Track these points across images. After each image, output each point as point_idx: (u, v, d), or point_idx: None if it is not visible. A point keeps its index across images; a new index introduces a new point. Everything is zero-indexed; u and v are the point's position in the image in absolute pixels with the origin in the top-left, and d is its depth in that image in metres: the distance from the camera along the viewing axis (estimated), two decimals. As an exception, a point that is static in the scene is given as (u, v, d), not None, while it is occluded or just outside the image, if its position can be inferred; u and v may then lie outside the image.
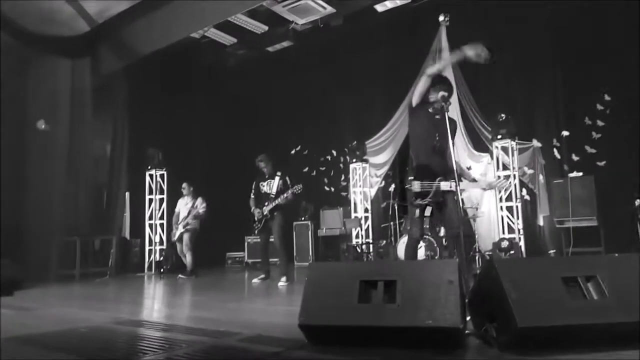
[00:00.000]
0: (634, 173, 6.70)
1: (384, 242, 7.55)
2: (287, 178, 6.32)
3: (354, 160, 9.15)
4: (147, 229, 9.15)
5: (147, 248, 9.09)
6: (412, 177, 3.78)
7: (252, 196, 6.42)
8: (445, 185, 3.63)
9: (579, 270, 2.09)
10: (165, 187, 9.32)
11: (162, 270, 8.66)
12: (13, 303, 4.61)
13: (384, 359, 2.02)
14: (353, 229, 8.90)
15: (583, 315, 1.97)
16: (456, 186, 3.35)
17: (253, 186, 6.45)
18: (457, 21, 8.90)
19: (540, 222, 7.89)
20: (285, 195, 6.03)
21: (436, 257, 7.25)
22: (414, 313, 2.03)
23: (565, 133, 7.80)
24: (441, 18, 9.07)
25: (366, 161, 9.13)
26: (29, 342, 2.80)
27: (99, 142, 9.82)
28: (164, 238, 9.18)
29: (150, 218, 9.18)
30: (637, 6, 6.78)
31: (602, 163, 7.39)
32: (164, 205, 9.26)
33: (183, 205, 7.91)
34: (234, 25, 10.07)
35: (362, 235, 8.87)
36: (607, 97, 7.46)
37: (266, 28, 10.24)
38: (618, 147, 7.20)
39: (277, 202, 6.04)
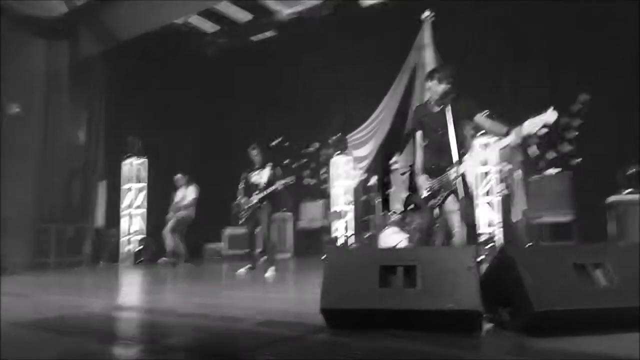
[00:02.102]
0: (608, 171, 6.97)
1: (369, 234, 7.64)
2: (278, 168, 6.31)
3: (338, 152, 9.19)
4: (125, 218, 8.96)
5: (124, 237, 8.90)
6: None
7: (242, 186, 6.37)
8: (452, 173, 3.67)
9: (589, 258, 2.20)
10: (145, 176, 9.13)
11: (140, 260, 8.55)
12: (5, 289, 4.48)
13: (408, 340, 2.08)
14: (336, 222, 8.96)
15: (594, 300, 2.08)
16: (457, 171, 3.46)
17: (242, 176, 6.39)
18: (441, 17, 9.04)
19: (517, 216, 8.12)
20: (276, 185, 6.01)
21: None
22: (434, 297, 2.09)
23: (543, 130, 8.03)
24: (425, 14, 9.19)
25: (348, 154, 9.18)
26: (38, 326, 2.75)
27: (75, 128, 9.57)
28: (143, 227, 9.03)
29: (129, 207, 8.99)
30: (616, 7, 7.04)
31: (578, 160, 7.67)
32: (144, 194, 9.09)
33: (179, 195, 7.85)
34: (218, 13, 9.97)
35: (343, 229, 8.92)
36: (584, 97, 7.72)
37: (250, 17, 10.18)
38: (593, 145, 7.48)
39: (267, 191, 6.01)
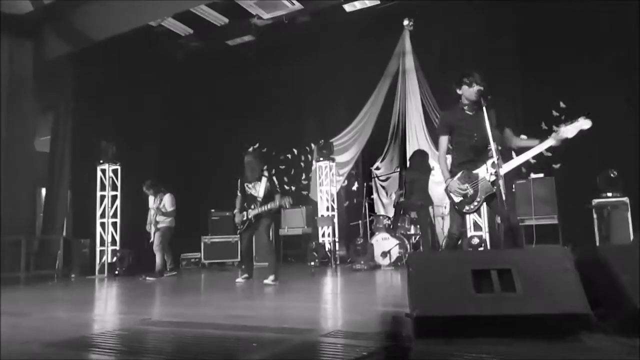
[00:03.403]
0: (587, 175, 7.26)
1: (361, 240, 7.57)
2: (274, 179, 6.13)
3: (321, 158, 9.09)
4: (98, 228, 8.45)
5: (98, 249, 8.39)
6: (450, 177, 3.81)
7: (239, 194, 6.14)
8: (489, 176, 3.65)
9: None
10: (118, 183, 8.66)
11: (116, 272, 8.08)
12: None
13: (509, 346, 2.00)
14: (321, 228, 8.83)
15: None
16: (497, 174, 3.45)
17: (239, 184, 6.16)
18: (421, 26, 9.18)
19: (499, 220, 8.31)
20: (271, 206, 5.81)
21: (407, 255, 7.40)
22: (537, 301, 2.03)
23: (523, 137, 8.28)
24: (405, 22, 9.30)
25: (333, 160, 9.10)
26: (71, 346, 2.47)
27: (40, 134, 8.98)
28: (117, 238, 8.55)
29: (102, 216, 8.49)
30: (593, 15, 7.38)
31: (557, 165, 7.95)
32: (118, 202, 8.62)
33: (152, 205, 7.45)
34: (193, 16, 9.66)
35: (329, 234, 8.82)
36: (562, 104, 8.02)
37: (226, 20, 9.93)
38: (571, 151, 7.76)
39: (263, 209, 5.82)
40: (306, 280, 6.39)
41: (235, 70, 10.43)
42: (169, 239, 7.49)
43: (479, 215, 7.84)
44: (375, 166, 9.37)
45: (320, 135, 9.84)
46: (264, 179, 5.96)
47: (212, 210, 10.08)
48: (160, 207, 7.33)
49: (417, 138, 9.01)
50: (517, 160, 3.81)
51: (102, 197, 8.55)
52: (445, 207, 8.08)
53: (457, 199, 3.78)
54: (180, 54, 10.74)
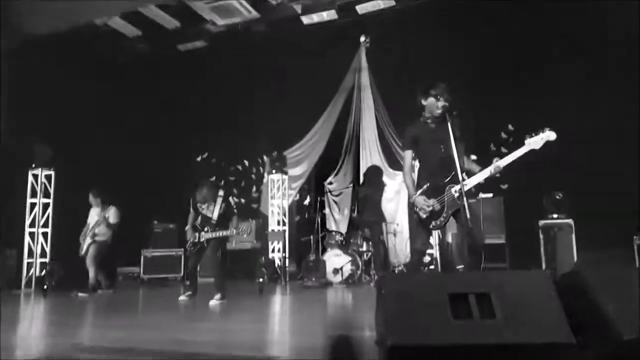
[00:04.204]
0: (533, 196, 7.43)
1: (314, 256, 7.34)
2: (230, 200, 5.85)
3: (273, 171, 8.83)
4: (27, 238, 7.74)
5: (25, 260, 7.67)
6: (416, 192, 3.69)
7: (192, 211, 5.79)
8: (456, 192, 3.57)
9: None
10: (51, 190, 8.00)
11: (44, 286, 7.39)
12: None
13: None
14: (271, 243, 8.53)
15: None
16: (461, 190, 3.36)
17: (191, 202, 5.82)
18: (377, 43, 9.20)
19: (449, 239, 8.34)
20: (226, 233, 5.57)
21: (358, 272, 7.26)
22: (518, 328, 1.88)
23: (473, 157, 8.40)
24: (362, 39, 9.32)
25: (286, 173, 8.86)
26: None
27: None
28: (47, 249, 7.87)
29: (32, 225, 7.79)
30: (540, 36, 7.64)
31: (505, 186, 8.10)
32: (49, 210, 7.94)
33: (94, 216, 6.89)
34: (142, 17, 9.23)
35: (279, 249, 8.53)
36: (510, 127, 8.22)
37: (178, 24, 9.56)
38: (518, 173, 7.94)
39: (217, 234, 5.52)
40: (254, 297, 6.08)
41: (185, 76, 10.00)
42: (105, 253, 6.94)
43: (430, 233, 7.81)
44: (328, 181, 9.21)
45: (273, 148, 9.59)
46: (219, 200, 5.66)
47: (155, 222, 9.54)
48: (106, 217, 6.79)
49: (370, 154, 8.95)
50: (478, 177, 3.73)
51: (33, 205, 7.84)
52: (397, 225, 8.04)
53: (423, 215, 3.65)
54: (123, 56, 10.22)
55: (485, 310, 1.94)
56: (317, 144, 9.33)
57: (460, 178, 3.46)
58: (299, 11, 8.79)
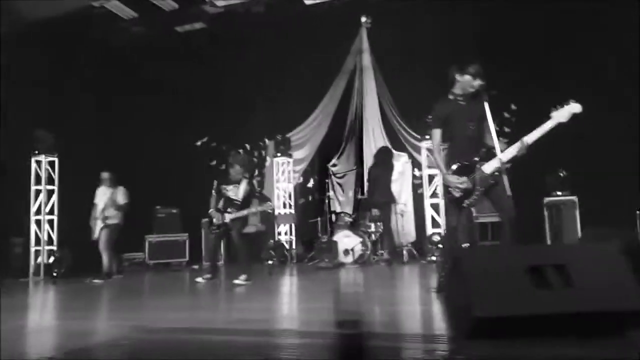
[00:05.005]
0: (538, 176, 7.59)
1: (326, 237, 7.41)
2: (253, 183, 5.87)
3: (278, 154, 8.83)
4: (33, 226, 7.63)
5: (32, 248, 7.58)
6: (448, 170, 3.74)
7: (214, 194, 5.82)
8: (488, 167, 3.64)
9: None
10: (56, 177, 7.88)
11: (54, 274, 7.34)
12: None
13: (568, 347, 1.94)
14: (279, 226, 8.58)
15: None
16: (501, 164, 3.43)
17: (214, 185, 5.85)
18: (379, 24, 9.18)
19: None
20: (251, 210, 5.68)
21: (368, 252, 7.37)
22: (595, 297, 1.98)
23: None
24: (363, 19, 9.28)
25: (290, 156, 8.88)
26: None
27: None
28: (54, 237, 7.78)
29: (38, 213, 7.68)
30: (546, 17, 7.70)
31: (508, 165, 8.24)
32: (54, 197, 7.84)
33: (102, 196, 6.81)
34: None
35: (286, 232, 8.59)
36: (513, 106, 8.33)
37: (176, 6, 9.38)
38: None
39: (243, 213, 5.56)
40: (272, 279, 6.17)
41: (184, 59, 9.86)
42: (116, 237, 6.90)
43: (437, 212, 7.96)
44: (331, 163, 9.26)
45: (274, 131, 9.58)
46: (244, 182, 5.69)
47: (158, 207, 9.49)
48: (115, 199, 6.73)
49: (373, 136, 9.01)
50: (507, 154, 3.76)
51: (37, 192, 7.72)
52: (404, 205, 8.15)
53: (456, 194, 3.73)
54: (118, 38, 10.00)
55: (562, 281, 2.04)
56: (320, 127, 9.34)
57: (499, 153, 3.52)
58: (301, -9, 8.70)
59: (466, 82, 3.77)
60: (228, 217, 5.61)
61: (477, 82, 3.73)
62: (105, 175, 6.91)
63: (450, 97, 3.91)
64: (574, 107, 3.57)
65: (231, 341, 2.51)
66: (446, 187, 3.82)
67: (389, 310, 3.55)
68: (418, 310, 3.42)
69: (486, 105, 3.61)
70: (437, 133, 3.95)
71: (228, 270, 7.24)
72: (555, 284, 2.03)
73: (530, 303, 2.00)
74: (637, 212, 6.76)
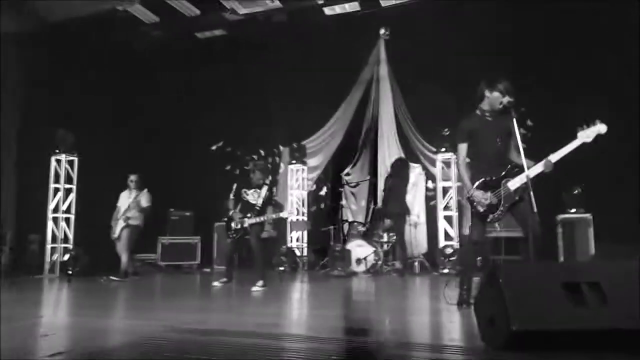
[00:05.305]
0: (553, 191, 7.61)
1: (340, 246, 7.46)
2: (274, 189, 5.95)
3: (293, 161, 8.91)
4: (50, 224, 7.73)
5: (48, 246, 7.67)
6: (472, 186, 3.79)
7: (232, 197, 5.90)
8: (513, 184, 3.69)
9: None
10: (74, 176, 7.99)
11: (69, 272, 7.42)
12: None
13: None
14: (291, 232, 8.64)
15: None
16: (527, 180, 3.47)
17: (234, 188, 5.92)
18: (397, 36, 9.28)
19: (466, 231, 8.52)
20: (271, 216, 5.80)
21: (380, 262, 7.41)
22: (630, 315, 2.03)
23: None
24: (382, 31, 9.38)
25: (305, 163, 8.95)
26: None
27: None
28: (70, 235, 7.87)
29: (55, 211, 7.78)
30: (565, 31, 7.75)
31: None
32: (72, 196, 7.94)
33: (126, 199, 6.94)
34: (162, 3, 9.17)
35: (298, 238, 8.64)
36: (529, 122, 8.37)
37: (198, 12, 9.52)
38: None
39: (262, 219, 5.66)
40: (288, 285, 6.23)
41: (202, 65, 9.99)
42: (136, 238, 7.00)
43: (450, 225, 8.00)
44: (345, 172, 9.32)
45: (289, 138, 9.67)
46: (265, 187, 5.77)
47: (171, 210, 9.57)
48: (139, 201, 6.84)
49: (388, 146, 9.07)
50: (532, 171, 3.77)
51: (56, 190, 7.83)
52: (417, 217, 8.20)
53: (481, 209, 3.78)
54: (139, 42, 10.15)
55: (598, 298, 2.08)
56: (335, 136, 9.42)
57: (526, 169, 3.57)
58: (321, 1, 8.81)
59: (495, 98, 3.82)
60: (247, 222, 5.67)
61: (507, 99, 3.78)
62: (133, 177, 7.01)
63: (478, 112, 3.96)
64: (601, 128, 3.61)
65: (256, 344, 2.57)
66: (471, 201, 3.86)
67: (410, 320, 3.60)
68: (444, 322, 3.45)
69: (514, 122, 3.65)
70: (463, 148, 4.00)
71: (241, 274, 7.31)
72: (590, 301, 2.07)
73: (566, 318, 2.04)
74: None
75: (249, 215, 5.70)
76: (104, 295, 5.36)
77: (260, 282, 5.53)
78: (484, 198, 3.75)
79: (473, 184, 3.85)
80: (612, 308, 2.06)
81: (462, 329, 3.01)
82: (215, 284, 5.90)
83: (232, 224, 5.83)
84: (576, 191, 7.45)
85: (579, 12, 7.51)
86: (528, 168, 3.74)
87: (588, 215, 7.21)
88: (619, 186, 7.10)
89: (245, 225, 5.69)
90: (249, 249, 5.99)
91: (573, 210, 7.34)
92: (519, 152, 3.81)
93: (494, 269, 2.23)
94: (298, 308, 4.57)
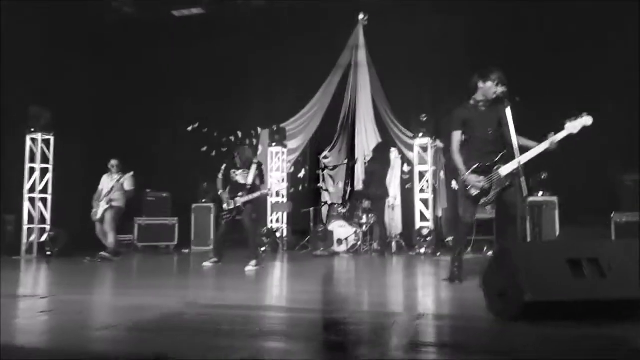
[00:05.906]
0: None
1: (322, 226, 7.67)
2: (262, 168, 6.03)
3: (273, 144, 9.01)
4: (27, 204, 7.56)
5: (25, 226, 7.52)
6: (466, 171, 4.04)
7: (220, 177, 5.95)
8: (505, 170, 3.96)
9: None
10: (51, 155, 7.81)
11: (48, 253, 7.33)
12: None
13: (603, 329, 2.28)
14: (273, 214, 8.78)
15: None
16: (519, 166, 3.74)
17: (222, 169, 5.97)
18: (375, 21, 9.43)
19: (439, 213, 8.90)
20: (263, 192, 5.92)
21: (359, 244, 7.69)
22: (626, 286, 2.33)
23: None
24: (360, 17, 9.51)
25: (285, 146, 9.06)
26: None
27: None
28: (47, 215, 7.74)
29: (31, 191, 7.61)
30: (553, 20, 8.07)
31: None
32: (49, 176, 7.78)
33: (108, 182, 6.87)
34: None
35: (278, 219, 8.80)
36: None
37: (177, -11, 9.37)
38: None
39: (253, 196, 5.73)
40: (283, 266, 6.44)
41: (179, 43, 9.83)
42: (119, 219, 6.98)
43: (426, 207, 8.33)
44: (323, 155, 9.50)
45: (267, 120, 9.73)
46: (254, 166, 5.85)
47: (148, 191, 9.48)
48: (118, 183, 6.79)
49: (366, 131, 9.29)
50: (529, 155, 3.98)
51: (32, 170, 7.64)
52: (395, 199, 8.50)
53: (474, 192, 4.06)
54: (111, 16, 9.86)
55: (598, 272, 2.38)
56: (313, 119, 9.55)
57: (518, 157, 3.81)
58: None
59: (488, 88, 4.05)
60: (240, 201, 5.76)
61: (500, 89, 4.01)
62: (114, 162, 6.95)
63: (472, 102, 4.19)
64: (587, 120, 3.82)
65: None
66: (464, 185, 4.13)
67: (419, 295, 3.86)
68: (455, 296, 3.71)
69: (508, 111, 3.88)
70: (457, 134, 4.24)
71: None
72: (590, 275, 2.36)
73: (570, 290, 2.33)
74: (612, 214, 7.32)
75: (240, 194, 5.78)
76: (102, 274, 5.40)
77: (254, 262, 5.67)
78: (477, 181, 4.02)
79: (467, 169, 4.10)
80: (609, 281, 2.35)
81: (468, 303, 3.25)
82: (206, 264, 5.99)
83: (225, 205, 5.90)
84: (543, 176, 7.92)
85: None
86: (531, 148, 3.92)
87: (554, 199, 7.69)
88: (584, 172, 7.61)
89: (239, 204, 5.78)
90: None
91: (540, 193, 7.80)
92: (511, 140, 4.07)
93: (506, 245, 2.49)
94: (305, 285, 4.69)
